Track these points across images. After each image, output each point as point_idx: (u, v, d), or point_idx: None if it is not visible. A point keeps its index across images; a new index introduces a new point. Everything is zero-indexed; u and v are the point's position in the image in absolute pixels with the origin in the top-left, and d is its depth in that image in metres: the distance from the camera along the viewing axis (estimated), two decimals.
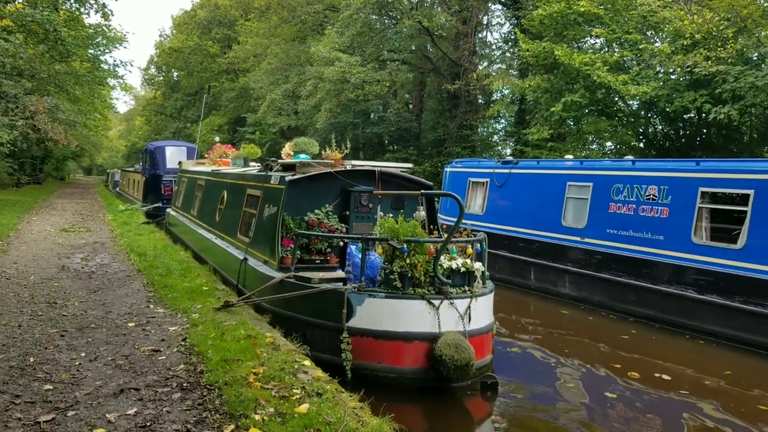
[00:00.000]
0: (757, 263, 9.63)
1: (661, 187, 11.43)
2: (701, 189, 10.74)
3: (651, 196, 11.58)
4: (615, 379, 8.17)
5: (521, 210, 14.66)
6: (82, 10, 29.65)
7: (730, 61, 17.05)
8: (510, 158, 17.38)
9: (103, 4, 29.79)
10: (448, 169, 18.40)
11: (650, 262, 11.31)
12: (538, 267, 13.87)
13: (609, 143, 26.90)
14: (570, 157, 17.06)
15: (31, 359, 6.18)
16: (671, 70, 19.45)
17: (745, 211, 9.99)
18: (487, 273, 8.20)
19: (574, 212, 13.23)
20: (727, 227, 10.87)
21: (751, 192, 9.98)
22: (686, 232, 10.82)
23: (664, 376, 8.31)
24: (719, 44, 17.54)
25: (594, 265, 12.47)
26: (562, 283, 13.21)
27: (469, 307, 7.40)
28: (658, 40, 21.99)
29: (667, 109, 19.38)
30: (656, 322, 11.07)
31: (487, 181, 16.16)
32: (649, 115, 22.72)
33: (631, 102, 22.01)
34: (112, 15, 34.62)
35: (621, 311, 11.77)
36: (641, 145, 23.85)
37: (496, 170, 15.87)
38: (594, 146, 27.93)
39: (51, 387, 5.45)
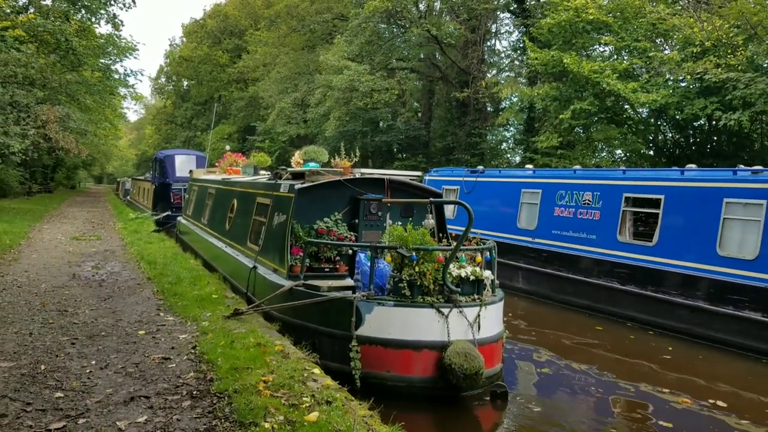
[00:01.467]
0: (667, 258, 11.34)
1: (594, 193, 13.20)
2: (625, 194, 12.48)
3: (586, 201, 13.35)
4: (618, 385, 8.13)
5: (485, 214, 15.97)
6: (93, 20, 29.98)
7: (740, 68, 16.99)
8: (479, 168, 18.87)
9: (114, 14, 30.17)
10: (427, 178, 19.48)
11: (584, 258, 13.05)
12: (498, 265, 15.00)
13: (619, 151, 26.81)
14: (530, 167, 18.37)
15: (42, 367, 6.21)
16: (681, 78, 19.39)
17: (657, 214, 11.70)
18: (496, 281, 8.18)
19: (527, 216, 15.10)
20: (645, 227, 12.90)
21: (662, 197, 11.67)
22: (613, 232, 12.55)
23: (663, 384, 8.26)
24: (729, 51, 17.49)
25: (541, 262, 14.24)
26: (516, 278, 14.84)
27: (479, 315, 7.37)
28: (667, 47, 21.94)
29: (678, 117, 19.32)
30: (589, 310, 12.62)
31: (457, 188, 17.82)
32: (659, 122, 22.65)
33: (640, 109, 21.94)
34: (123, 25, 35.04)
35: (562, 302, 13.48)
36: (651, 152, 23.76)
37: (465, 178, 17.68)
38: (604, 154, 27.85)
39: (62, 394, 5.47)
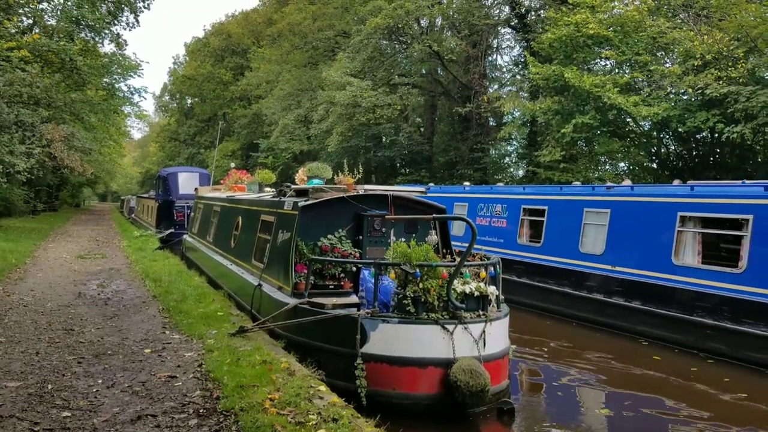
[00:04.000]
0: (548, 255, 14.12)
1: (503, 205, 16.22)
2: (523, 206, 15.46)
3: (497, 211, 16.36)
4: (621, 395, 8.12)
5: None
6: (97, 39, 30.27)
7: (741, 80, 17.06)
8: (429, 184, 21.17)
9: (118, 34, 30.47)
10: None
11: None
12: None
13: (622, 164, 26.85)
14: (467, 184, 21.62)
15: (49, 386, 6.23)
16: (682, 91, 19.47)
17: (543, 221, 14.57)
18: (501, 297, 8.18)
19: (458, 225, 16.62)
20: (535, 232, 15.18)
21: (546, 207, 14.67)
22: (514, 236, 15.40)
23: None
24: (730, 64, 17.57)
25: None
26: None
27: (484, 331, 7.36)
28: (668, 60, 22.04)
29: (680, 129, 19.38)
30: None
31: None
32: (662, 135, 22.71)
33: (642, 123, 22.01)
34: (126, 45, 35.36)
35: None
36: (654, 165, 23.80)
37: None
38: (607, 167, 27.88)
39: (69, 414, 5.49)
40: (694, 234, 11.15)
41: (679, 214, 11.28)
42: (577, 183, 19.96)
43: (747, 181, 12.04)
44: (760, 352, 9.52)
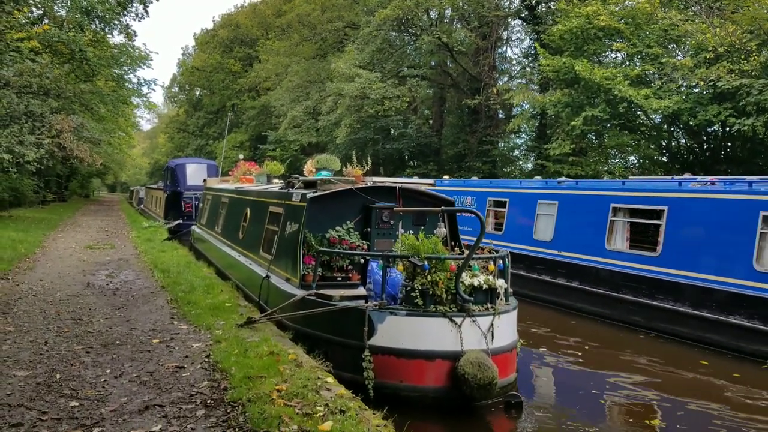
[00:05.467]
0: (510, 242, 14.97)
1: (473, 197, 17.83)
2: (489, 198, 16.97)
3: (467, 203, 17.83)
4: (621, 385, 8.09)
5: None
6: (106, 30, 30.30)
7: (753, 73, 16.89)
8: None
9: (127, 25, 30.50)
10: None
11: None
12: None
13: (632, 157, 26.69)
14: (447, 178, 23.34)
15: (58, 376, 6.25)
16: (694, 84, 19.30)
17: (504, 212, 16.11)
18: (510, 290, 8.14)
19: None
20: (499, 222, 16.47)
21: (507, 200, 16.31)
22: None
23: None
24: (743, 57, 17.39)
25: None
26: None
27: (492, 324, 7.33)
28: (680, 53, 21.86)
29: (691, 123, 19.22)
30: None
31: None
32: (672, 128, 22.54)
33: (653, 116, 21.85)
34: (136, 35, 35.44)
35: None
36: (665, 159, 23.63)
37: None
38: (617, 160, 27.74)
39: (77, 403, 5.50)
40: (623, 223, 12.72)
41: (612, 205, 12.82)
42: (564, 177, 20.45)
43: (749, 178, 12.10)
44: (671, 323, 11.12)
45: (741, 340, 9.98)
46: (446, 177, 23.76)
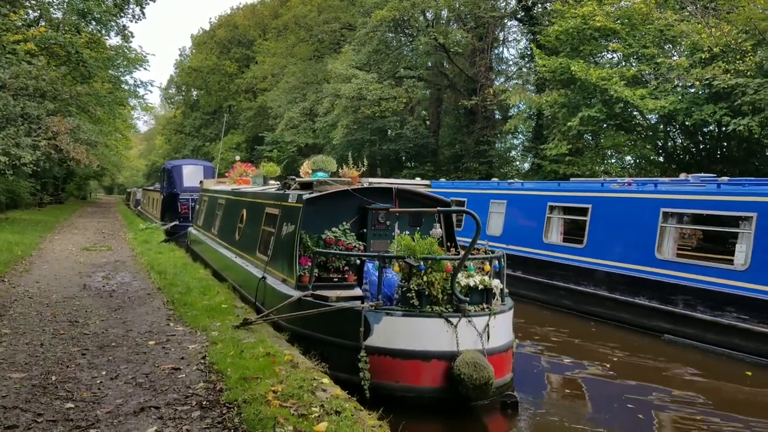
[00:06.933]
0: (467, 237, 14.58)
1: None
2: (451, 199, 17.06)
3: None
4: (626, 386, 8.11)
5: None
6: (103, 32, 30.27)
7: (749, 73, 16.93)
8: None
9: (124, 26, 30.47)
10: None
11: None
12: None
13: (628, 157, 26.71)
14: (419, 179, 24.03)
15: (53, 377, 6.25)
16: (689, 84, 19.33)
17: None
18: (506, 290, 8.15)
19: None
20: (459, 219, 17.14)
21: (465, 200, 17.78)
22: None
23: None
24: (738, 57, 17.43)
25: None
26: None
27: (488, 324, 7.34)
28: (675, 53, 21.90)
29: (687, 123, 19.25)
30: None
31: None
32: (668, 128, 22.58)
33: (649, 116, 21.88)
34: (132, 37, 35.35)
35: None
36: (661, 159, 23.67)
37: None
38: (613, 161, 27.76)
39: (72, 405, 5.50)
40: (558, 219, 14.45)
41: (549, 204, 14.55)
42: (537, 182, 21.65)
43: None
44: (590, 305, 12.81)
45: (643, 318, 11.63)
46: (418, 179, 24.53)
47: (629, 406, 7.74)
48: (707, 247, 13.58)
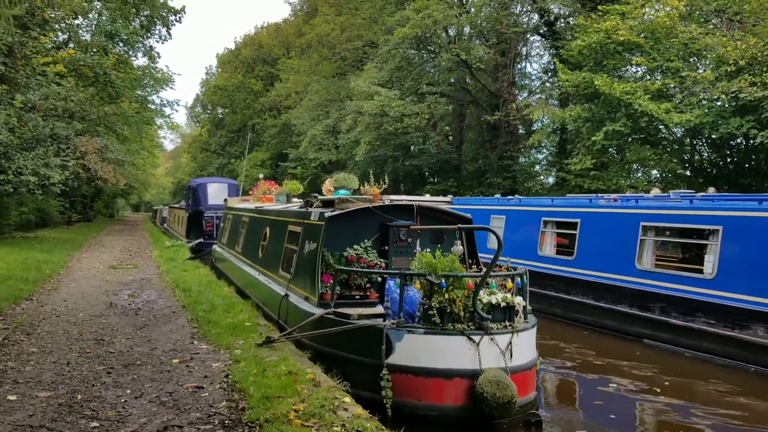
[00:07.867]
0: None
1: None
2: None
3: None
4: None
5: None
6: (130, 53, 30.90)
7: None
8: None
9: (151, 47, 31.08)
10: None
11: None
12: None
13: (655, 171, 26.41)
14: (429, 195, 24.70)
15: (79, 396, 6.32)
16: (715, 97, 19.11)
17: None
18: (529, 307, 8.08)
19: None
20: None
21: (469, 215, 18.96)
22: None
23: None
24: (765, 69, 17.21)
25: None
26: None
27: (511, 342, 7.28)
28: (701, 66, 21.67)
29: (713, 136, 19.01)
30: None
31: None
32: (695, 142, 22.31)
33: (675, 130, 21.65)
34: (159, 57, 36.07)
35: None
36: (688, 172, 23.37)
37: None
38: (639, 175, 27.47)
39: (97, 424, 5.55)
40: (551, 233, 15.26)
41: (543, 219, 15.43)
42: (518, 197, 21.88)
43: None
44: (578, 313, 13.66)
45: (625, 324, 12.40)
46: (444, 196, 24.74)
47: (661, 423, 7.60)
48: (682, 258, 14.46)
